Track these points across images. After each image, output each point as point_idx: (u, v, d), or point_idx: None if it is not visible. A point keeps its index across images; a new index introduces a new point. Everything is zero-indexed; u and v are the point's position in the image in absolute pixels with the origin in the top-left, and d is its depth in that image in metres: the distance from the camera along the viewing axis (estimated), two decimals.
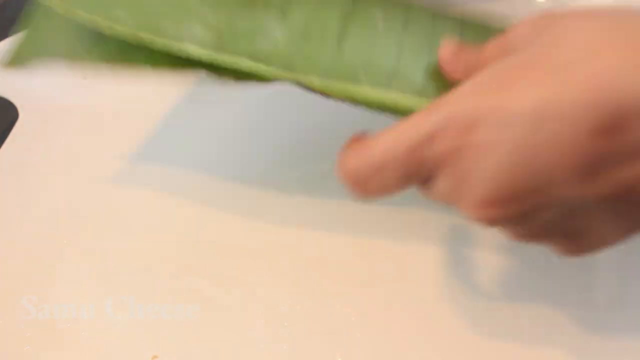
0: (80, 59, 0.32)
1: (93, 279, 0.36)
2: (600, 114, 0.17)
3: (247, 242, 0.36)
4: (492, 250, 0.33)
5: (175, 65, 0.31)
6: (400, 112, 0.26)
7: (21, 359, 0.33)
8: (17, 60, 0.34)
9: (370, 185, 0.22)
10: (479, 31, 0.31)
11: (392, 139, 0.21)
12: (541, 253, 0.31)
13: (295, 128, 0.42)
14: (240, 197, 0.38)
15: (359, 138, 0.23)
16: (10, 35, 0.53)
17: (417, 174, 0.21)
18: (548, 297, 0.31)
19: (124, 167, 0.42)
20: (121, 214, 0.39)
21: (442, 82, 0.26)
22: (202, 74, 0.30)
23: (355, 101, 0.27)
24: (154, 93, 0.46)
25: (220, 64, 0.29)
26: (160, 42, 0.29)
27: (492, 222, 0.20)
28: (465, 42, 0.27)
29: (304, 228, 0.36)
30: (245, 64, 0.28)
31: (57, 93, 0.50)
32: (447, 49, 0.26)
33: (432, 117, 0.20)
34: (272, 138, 0.42)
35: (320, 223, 0.36)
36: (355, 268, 0.33)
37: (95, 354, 0.32)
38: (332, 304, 0.32)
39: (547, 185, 0.18)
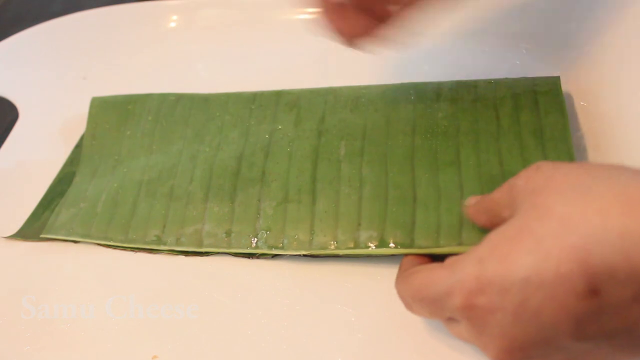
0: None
1: (93, 279, 0.36)
2: (577, 282, 0.20)
3: None
4: None
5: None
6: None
7: (21, 359, 0.33)
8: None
9: (412, 310, 0.27)
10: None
11: (422, 285, 0.25)
12: None
13: None
14: None
15: (409, 268, 0.27)
16: (11, 35, 0.53)
17: (441, 315, 0.25)
18: None
19: None
20: None
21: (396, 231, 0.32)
22: None
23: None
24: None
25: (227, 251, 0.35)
26: (184, 242, 0.36)
27: None
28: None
29: None
30: (249, 249, 0.35)
31: (57, 93, 0.50)
32: (470, 207, 0.30)
33: (449, 277, 0.24)
34: None
35: None
36: (355, 268, 0.33)
37: (95, 354, 0.32)
38: (332, 304, 0.32)
39: (552, 336, 0.21)
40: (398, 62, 0.44)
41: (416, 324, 0.30)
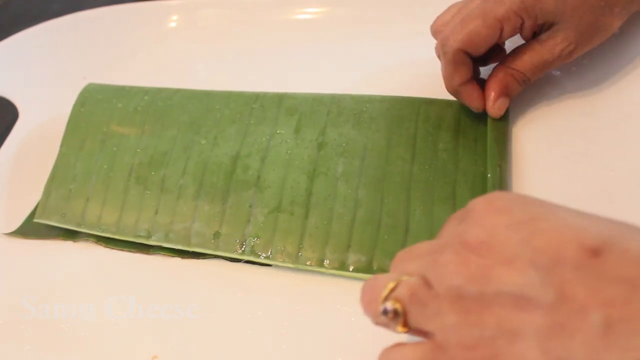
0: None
1: (93, 279, 0.36)
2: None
3: None
4: None
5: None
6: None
7: (21, 359, 0.33)
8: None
9: None
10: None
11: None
12: None
13: None
14: None
15: None
16: (11, 35, 0.53)
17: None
18: None
19: None
20: None
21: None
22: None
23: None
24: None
25: (216, 253, 0.35)
26: (173, 239, 0.36)
27: None
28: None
29: None
30: (235, 254, 0.34)
31: (57, 93, 0.50)
32: None
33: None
34: None
35: None
36: None
37: (95, 354, 0.32)
38: (332, 304, 0.32)
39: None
40: (404, 69, 0.44)
41: None
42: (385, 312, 0.22)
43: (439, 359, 0.21)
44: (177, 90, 0.43)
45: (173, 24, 0.53)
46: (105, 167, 0.39)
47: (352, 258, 0.33)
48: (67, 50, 0.53)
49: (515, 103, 0.38)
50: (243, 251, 0.34)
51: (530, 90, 0.38)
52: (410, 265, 0.24)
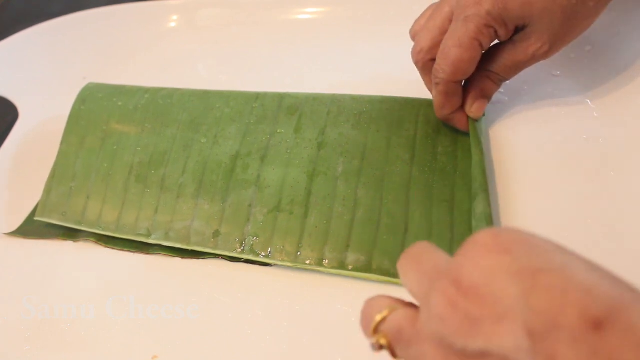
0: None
1: (93, 279, 0.36)
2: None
3: None
4: None
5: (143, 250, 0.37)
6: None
7: (21, 359, 0.33)
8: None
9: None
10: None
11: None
12: None
13: None
14: None
15: None
16: (11, 35, 0.53)
17: None
18: None
19: None
20: None
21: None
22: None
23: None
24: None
25: (211, 252, 0.35)
26: (172, 237, 0.36)
27: None
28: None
29: None
30: (235, 253, 0.35)
31: (57, 93, 0.50)
32: None
33: None
34: None
35: None
36: None
37: (95, 354, 0.32)
38: (332, 304, 0.32)
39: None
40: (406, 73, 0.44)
41: None
42: (373, 346, 0.23)
43: None
44: (178, 89, 0.43)
45: (173, 24, 0.53)
46: (105, 165, 0.40)
47: (351, 257, 0.33)
48: (67, 50, 0.53)
49: (514, 103, 0.38)
50: (242, 250, 0.34)
51: (527, 89, 0.38)
52: (411, 279, 0.23)
